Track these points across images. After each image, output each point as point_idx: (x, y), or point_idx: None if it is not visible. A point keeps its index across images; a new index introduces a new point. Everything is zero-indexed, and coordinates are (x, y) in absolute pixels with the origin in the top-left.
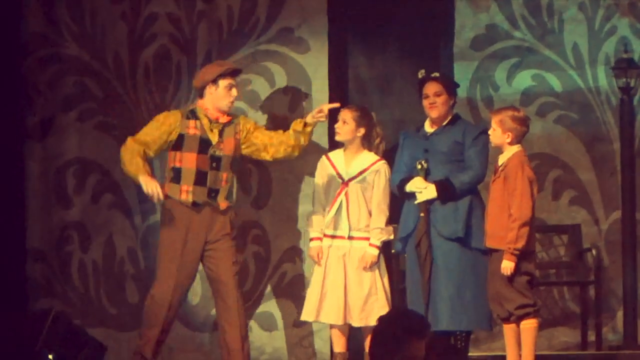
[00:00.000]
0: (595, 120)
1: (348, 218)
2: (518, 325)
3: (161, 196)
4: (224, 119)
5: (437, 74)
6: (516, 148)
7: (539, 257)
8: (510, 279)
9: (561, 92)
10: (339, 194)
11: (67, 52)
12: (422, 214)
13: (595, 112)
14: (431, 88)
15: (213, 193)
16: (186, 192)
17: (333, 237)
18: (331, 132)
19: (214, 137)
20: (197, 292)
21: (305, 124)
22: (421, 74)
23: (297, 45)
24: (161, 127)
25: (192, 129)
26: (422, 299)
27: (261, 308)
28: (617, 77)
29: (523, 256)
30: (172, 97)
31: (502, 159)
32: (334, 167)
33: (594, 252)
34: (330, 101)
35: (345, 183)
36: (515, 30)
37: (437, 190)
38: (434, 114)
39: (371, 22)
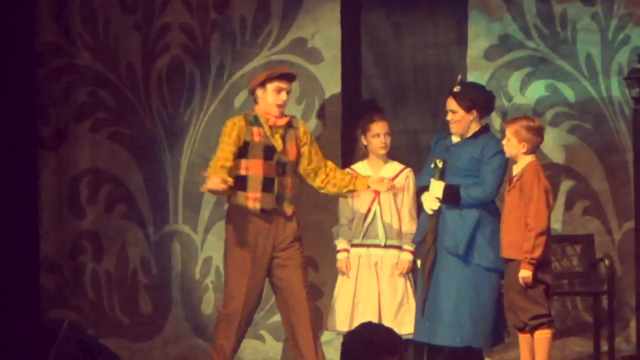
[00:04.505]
0: (609, 131)
1: (383, 226)
2: (532, 335)
3: (222, 185)
4: (281, 122)
5: (457, 89)
6: (530, 158)
7: (552, 267)
8: (526, 288)
9: (574, 102)
10: (372, 203)
11: (81, 63)
12: (429, 226)
13: (609, 122)
14: (449, 104)
15: (281, 199)
16: (254, 200)
17: (368, 246)
18: (344, 146)
19: (278, 143)
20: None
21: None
22: (458, 79)
23: (310, 56)
24: (231, 138)
25: (256, 135)
26: (419, 309)
27: (274, 318)
28: (631, 87)
29: (539, 266)
30: (185, 107)
31: (516, 169)
32: None
33: (607, 262)
34: (343, 110)
35: (377, 192)
36: (528, 40)
37: (443, 191)
38: (451, 130)
39: (384, 32)
